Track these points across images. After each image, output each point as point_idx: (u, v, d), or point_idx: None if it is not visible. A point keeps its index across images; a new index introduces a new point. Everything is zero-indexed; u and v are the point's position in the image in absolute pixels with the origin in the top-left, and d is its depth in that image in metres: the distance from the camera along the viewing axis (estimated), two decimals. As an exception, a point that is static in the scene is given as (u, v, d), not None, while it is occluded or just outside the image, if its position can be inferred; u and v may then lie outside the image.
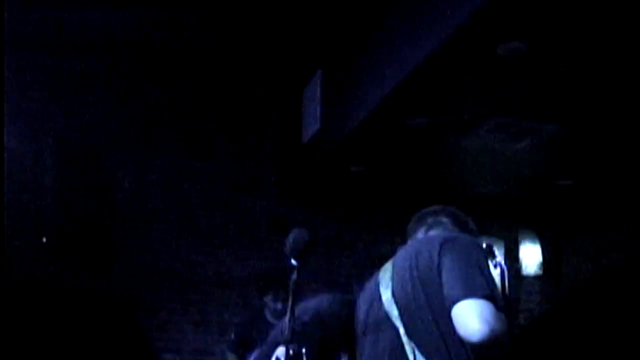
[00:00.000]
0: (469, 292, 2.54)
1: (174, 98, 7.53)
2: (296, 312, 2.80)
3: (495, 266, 3.59)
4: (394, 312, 2.73)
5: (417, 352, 2.63)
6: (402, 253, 2.91)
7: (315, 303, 3.48)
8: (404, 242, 3.12)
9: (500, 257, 3.71)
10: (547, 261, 8.28)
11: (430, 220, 3.09)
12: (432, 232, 3.03)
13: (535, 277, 8.29)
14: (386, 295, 2.79)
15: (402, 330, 2.68)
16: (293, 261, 2.94)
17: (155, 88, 7.50)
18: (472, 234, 3.04)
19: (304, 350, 2.74)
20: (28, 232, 6.90)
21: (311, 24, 6.70)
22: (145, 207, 7.34)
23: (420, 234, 3.09)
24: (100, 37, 7.03)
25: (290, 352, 2.75)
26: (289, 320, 2.79)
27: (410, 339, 2.65)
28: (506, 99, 5.36)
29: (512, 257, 8.14)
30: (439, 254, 2.67)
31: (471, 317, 2.49)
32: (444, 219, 3.06)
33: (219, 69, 7.53)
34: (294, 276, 2.88)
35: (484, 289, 2.55)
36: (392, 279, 2.82)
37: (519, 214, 7.93)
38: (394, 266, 2.86)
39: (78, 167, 6.82)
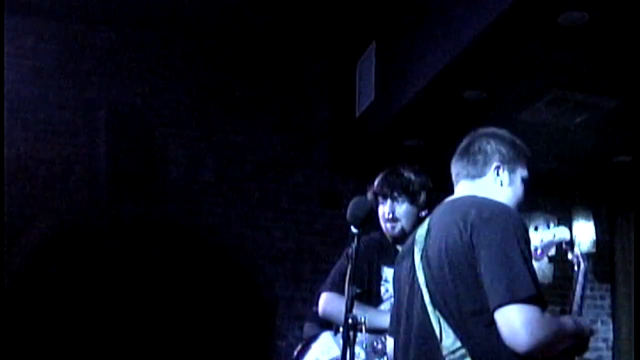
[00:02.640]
0: (512, 295, 2.43)
1: (225, 71, 7.52)
2: None
3: (573, 261, 3.47)
4: (421, 279, 2.66)
5: (442, 322, 2.56)
6: (439, 216, 2.79)
7: None
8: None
9: (578, 250, 3.57)
10: (600, 239, 8.16)
11: (461, 165, 2.92)
12: (466, 187, 2.88)
13: (588, 255, 8.18)
14: (417, 257, 2.73)
15: (427, 299, 2.62)
16: (353, 229, 2.91)
17: (206, 62, 7.50)
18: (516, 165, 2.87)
19: (363, 319, 2.72)
20: (80, 204, 6.96)
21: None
22: (197, 180, 7.35)
23: (457, 186, 2.94)
24: (155, 11, 7.03)
25: (350, 321, 2.73)
26: (349, 290, 2.77)
27: (435, 308, 2.59)
28: (566, 72, 5.24)
29: (565, 235, 8.04)
30: (471, 236, 2.56)
31: (517, 328, 2.41)
32: (469, 167, 2.88)
33: (271, 42, 7.50)
34: (354, 244, 2.84)
35: (528, 289, 2.44)
36: (426, 242, 2.73)
37: (575, 190, 7.81)
38: (429, 228, 2.76)
39: (131, 140, 6.84)
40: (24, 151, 6.82)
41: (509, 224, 2.57)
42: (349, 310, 2.74)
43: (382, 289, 3.96)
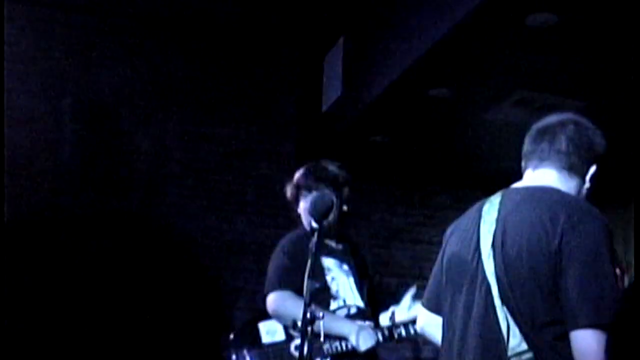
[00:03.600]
0: (595, 318, 2.30)
1: (193, 62, 7.47)
2: None
3: None
4: (489, 269, 2.47)
5: (510, 320, 2.40)
6: (518, 204, 2.56)
7: None
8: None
9: None
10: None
11: (544, 147, 2.69)
12: (544, 174, 2.66)
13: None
14: (486, 244, 2.52)
15: (495, 292, 2.44)
16: (314, 223, 2.91)
17: (174, 52, 7.44)
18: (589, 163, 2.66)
19: (321, 314, 2.72)
20: (45, 193, 6.89)
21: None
22: (162, 171, 7.30)
23: (532, 171, 2.71)
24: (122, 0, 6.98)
25: (308, 315, 2.72)
26: (308, 283, 2.77)
27: (504, 304, 2.42)
28: (532, 72, 5.28)
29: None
30: (560, 243, 2.37)
31: (592, 356, 2.30)
32: (559, 154, 2.66)
33: (239, 34, 7.47)
34: (315, 238, 2.84)
35: (610, 311, 2.31)
36: (497, 227, 2.52)
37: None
38: (499, 215, 2.55)
39: (96, 129, 6.79)
40: (-14, 137, 6.74)
41: (601, 233, 2.41)
42: (307, 304, 2.73)
43: (329, 278, 3.89)
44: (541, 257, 2.39)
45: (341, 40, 6.45)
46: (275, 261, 4.00)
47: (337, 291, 3.89)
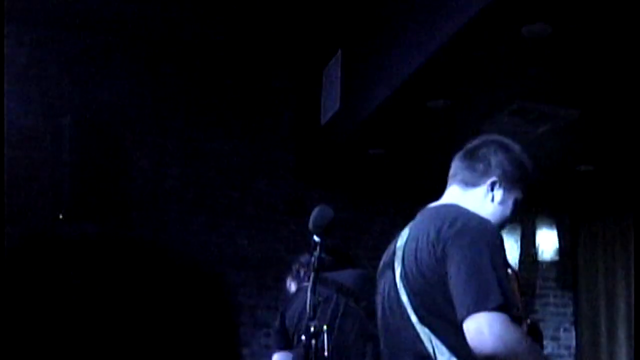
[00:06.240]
0: (479, 305, 2.34)
1: (190, 78, 7.51)
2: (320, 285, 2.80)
3: None
4: (404, 297, 2.56)
5: (433, 339, 2.47)
6: (417, 226, 2.68)
7: (340, 277, 3.41)
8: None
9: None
10: (563, 247, 8.25)
11: (464, 167, 2.80)
12: (455, 194, 2.77)
13: (552, 263, 8.28)
14: (398, 272, 2.62)
15: (414, 318, 2.52)
16: (316, 237, 2.91)
17: (172, 68, 7.48)
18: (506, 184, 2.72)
19: (325, 327, 2.73)
20: (45, 210, 6.90)
21: (332, 3, 6.65)
22: (161, 187, 7.33)
23: (448, 189, 2.83)
24: (119, 17, 7.00)
25: (312, 329, 2.73)
26: (311, 297, 2.78)
27: (424, 325, 2.50)
28: (529, 83, 5.30)
29: (529, 243, 8.13)
30: (443, 251, 2.46)
31: (483, 333, 2.32)
32: (467, 172, 2.77)
33: (237, 49, 7.50)
34: (317, 252, 2.85)
35: (496, 299, 2.34)
36: (404, 254, 2.62)
37: (538, 199, 7.87)
38: (407, 241, 2.66)
39: (95, 147, 6.80)
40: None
41: (480, 236, 2.47)
42: (311, 318, 2.75)
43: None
44: (431, 268, 2.50)
45: (339, 53, 6.47)
46: (273, 324, 4.55)
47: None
